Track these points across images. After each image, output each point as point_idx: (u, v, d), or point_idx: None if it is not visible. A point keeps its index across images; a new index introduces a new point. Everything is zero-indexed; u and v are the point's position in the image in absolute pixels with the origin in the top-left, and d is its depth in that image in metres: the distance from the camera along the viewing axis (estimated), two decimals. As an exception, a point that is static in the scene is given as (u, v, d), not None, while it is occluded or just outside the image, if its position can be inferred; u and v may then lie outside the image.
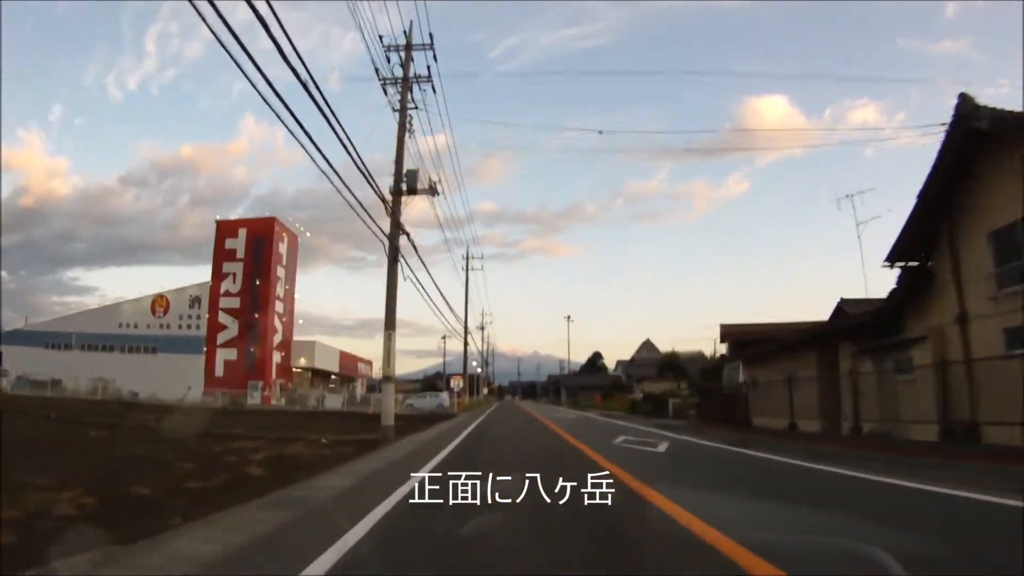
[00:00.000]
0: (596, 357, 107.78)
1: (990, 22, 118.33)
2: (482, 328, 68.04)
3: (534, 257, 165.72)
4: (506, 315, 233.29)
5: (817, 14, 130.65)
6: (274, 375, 45.78)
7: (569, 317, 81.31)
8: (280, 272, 48.41)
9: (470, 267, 42.74)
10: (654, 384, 53.29)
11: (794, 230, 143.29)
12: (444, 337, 76.17)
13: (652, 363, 70.93)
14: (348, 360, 61.27)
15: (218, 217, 49.20)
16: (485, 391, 74.67)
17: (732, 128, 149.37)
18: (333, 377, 59.58)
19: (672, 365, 45.53)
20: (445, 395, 37.27)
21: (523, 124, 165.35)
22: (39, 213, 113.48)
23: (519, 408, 47.38)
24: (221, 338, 46.53)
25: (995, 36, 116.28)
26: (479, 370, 75.44)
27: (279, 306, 47.92)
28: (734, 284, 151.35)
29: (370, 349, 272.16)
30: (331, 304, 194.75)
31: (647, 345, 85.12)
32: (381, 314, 15.31)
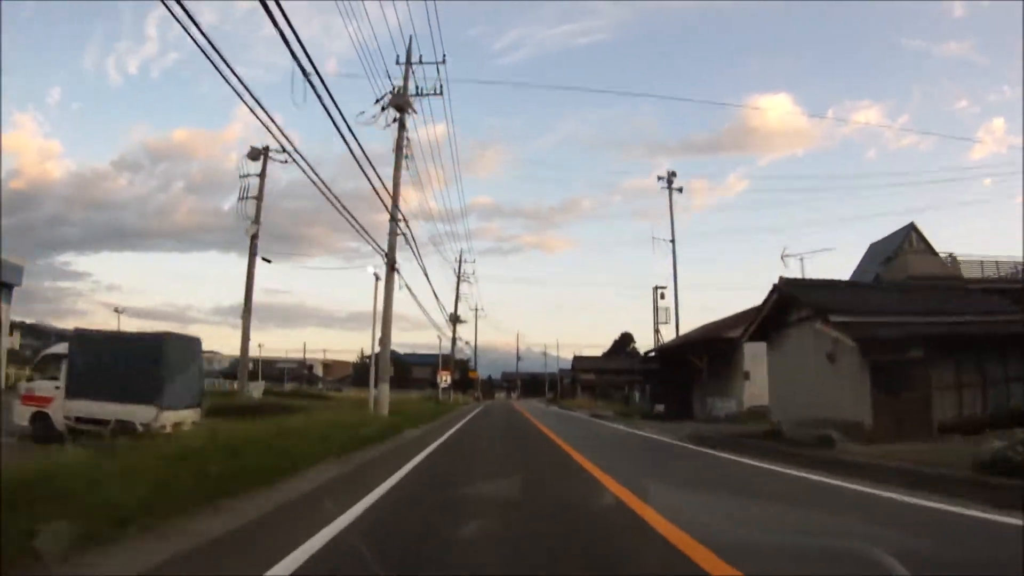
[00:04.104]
0: (626, 339, 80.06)
1: (993, 23, 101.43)
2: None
3: (530, 252, 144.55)
4: (499, 312, 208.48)
5: (821, 12, 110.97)
6: None
7: (672, 240, 34.77)
8: None
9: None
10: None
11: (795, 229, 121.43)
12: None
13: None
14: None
15: None
16: (447, 379, 43.64)
17: (731, 127, 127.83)
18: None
19: None
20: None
21: (520, 118, 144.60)
22: (31, 197, 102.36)
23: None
24: None
25: (999, 38, 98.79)
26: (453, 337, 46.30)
27: None
28: (729, 280, 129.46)
29: (357, 343, 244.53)
30: (324, 295, 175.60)
31: (918, 247, 25.33)
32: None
